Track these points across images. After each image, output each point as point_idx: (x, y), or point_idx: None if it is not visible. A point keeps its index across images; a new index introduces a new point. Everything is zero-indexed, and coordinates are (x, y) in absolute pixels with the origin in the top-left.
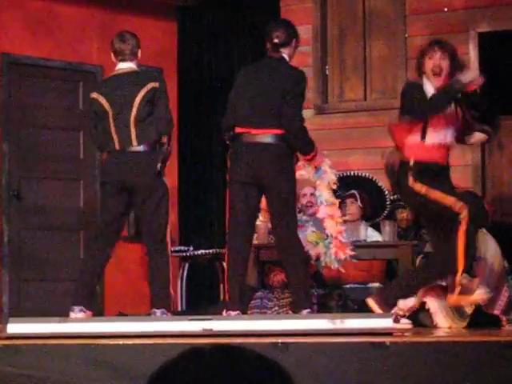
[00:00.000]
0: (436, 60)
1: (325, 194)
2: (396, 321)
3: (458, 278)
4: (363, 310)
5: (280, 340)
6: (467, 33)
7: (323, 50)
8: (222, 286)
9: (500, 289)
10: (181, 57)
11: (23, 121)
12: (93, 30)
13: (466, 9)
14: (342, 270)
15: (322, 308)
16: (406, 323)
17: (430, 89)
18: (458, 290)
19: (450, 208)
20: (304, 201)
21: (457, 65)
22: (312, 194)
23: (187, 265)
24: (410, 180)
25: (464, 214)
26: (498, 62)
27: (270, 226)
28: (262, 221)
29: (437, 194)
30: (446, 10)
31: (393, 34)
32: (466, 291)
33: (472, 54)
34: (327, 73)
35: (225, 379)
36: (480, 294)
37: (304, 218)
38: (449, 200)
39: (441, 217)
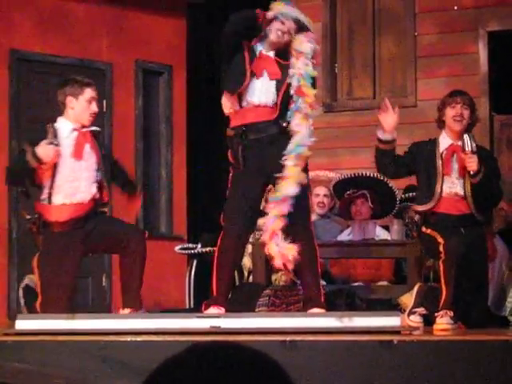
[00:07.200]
0: (458, 109)
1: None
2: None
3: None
4: (371, 308)
5: (288, 338)
6: (477, 31)
7: (332, 47)
8: None
9: (507, 290)
10: (190, 54)
11: (32, 118)
12: (103, 27)
13: (475, 7)
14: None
15: (330, 306)
16: (416, 321)
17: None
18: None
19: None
20: (316, 200)
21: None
22: (325, 195)
23: (195, 262)
24: None
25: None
26: (508, 60)
27: None
28: None
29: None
30: (455, 8)
31: (402, 32)
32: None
33: (481, 52)
34: (336, 71)
35: (228, 377)
36: (443, 324)
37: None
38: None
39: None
